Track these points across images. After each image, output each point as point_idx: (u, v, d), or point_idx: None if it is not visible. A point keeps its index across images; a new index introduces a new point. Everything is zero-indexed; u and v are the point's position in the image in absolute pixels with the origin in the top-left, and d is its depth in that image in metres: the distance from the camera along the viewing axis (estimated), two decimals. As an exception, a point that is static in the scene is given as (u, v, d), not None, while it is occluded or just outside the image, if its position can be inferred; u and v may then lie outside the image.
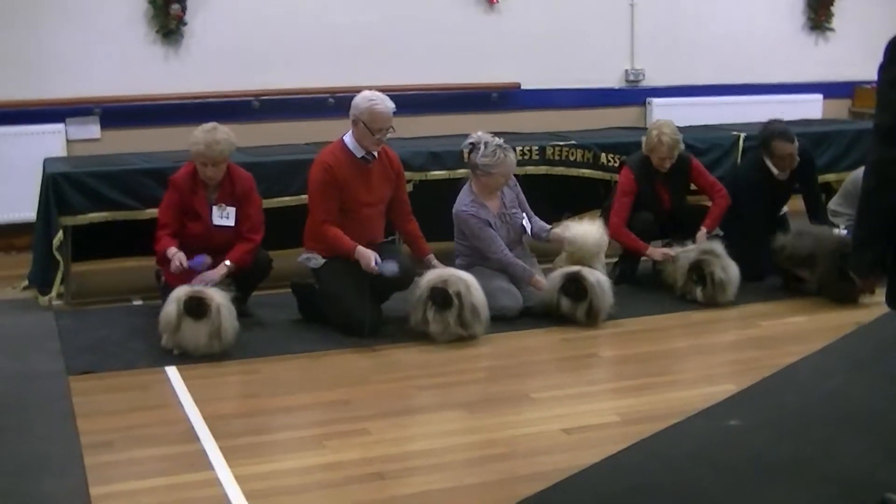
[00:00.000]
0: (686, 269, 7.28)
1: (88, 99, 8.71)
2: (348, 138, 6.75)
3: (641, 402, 5.52)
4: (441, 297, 6.43)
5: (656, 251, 7.59)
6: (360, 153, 6.72)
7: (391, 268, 6.58)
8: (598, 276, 6.85)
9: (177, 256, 6.46)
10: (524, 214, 7.18)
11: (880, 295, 4.01)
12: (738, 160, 8.74)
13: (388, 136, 6.76)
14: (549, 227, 7.25)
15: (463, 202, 7.04)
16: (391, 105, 6.69)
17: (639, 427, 5.11)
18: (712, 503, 4.40)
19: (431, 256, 6.95)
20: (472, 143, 7.04)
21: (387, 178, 6.88)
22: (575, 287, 6.78)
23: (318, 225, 6.69)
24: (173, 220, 6.70)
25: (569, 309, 6.81)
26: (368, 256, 6.54)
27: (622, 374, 6.09)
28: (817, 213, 8.07)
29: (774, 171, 7.75)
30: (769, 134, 7.76)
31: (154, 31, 8.81)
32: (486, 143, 6.95)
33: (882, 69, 3.71)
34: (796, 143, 7.72)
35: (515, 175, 7.30)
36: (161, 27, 8.78)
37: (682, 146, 7.66)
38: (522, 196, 7.26)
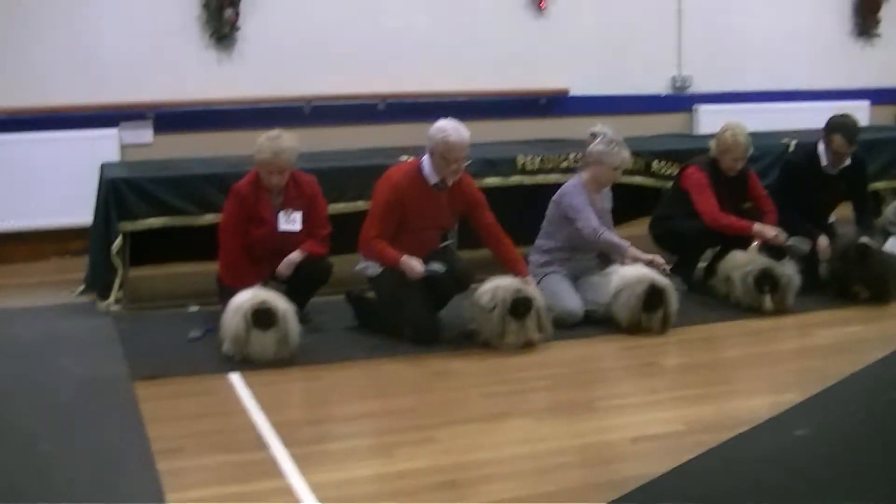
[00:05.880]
0: (752, 279, 7.16)
1: (142, 104, 8.72)
2: (426, 162, 6.64)
3: (705, 410, 5.51)
4: (524, 305, 6.43)
5: (767, 229, 7.45)
6: (433, 180, 6.63)
7: (437, 267, 6.57)
8: (669, 284, 6.83)
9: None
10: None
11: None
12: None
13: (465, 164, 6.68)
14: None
15: (567, 186, 7.15)
16: (465, 134, 6.57)
17: (705, 436, 5.09)
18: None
19: (530, 278, 6.77)
20: (593, 133, 7.14)
21: (454, 207, 6.79)
22: (655, 298, 6.74)
23: (369, 238, 6.66)
24: (234, 232, 6.73)
25: (647, 322, 6.78)
26: (412, 265, 6.51)
27: (684, 383, 6.07)
28: (863, 219, 7.99)
29: (823, 161, 7.72)
30: (835, 125, 7.69)
31: (208, 35, 8.83)
32: (605, 134, 7.09)
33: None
34: (854, 147, 7.70)
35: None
36: (214, 32, 8.80)
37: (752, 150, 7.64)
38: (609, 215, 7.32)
